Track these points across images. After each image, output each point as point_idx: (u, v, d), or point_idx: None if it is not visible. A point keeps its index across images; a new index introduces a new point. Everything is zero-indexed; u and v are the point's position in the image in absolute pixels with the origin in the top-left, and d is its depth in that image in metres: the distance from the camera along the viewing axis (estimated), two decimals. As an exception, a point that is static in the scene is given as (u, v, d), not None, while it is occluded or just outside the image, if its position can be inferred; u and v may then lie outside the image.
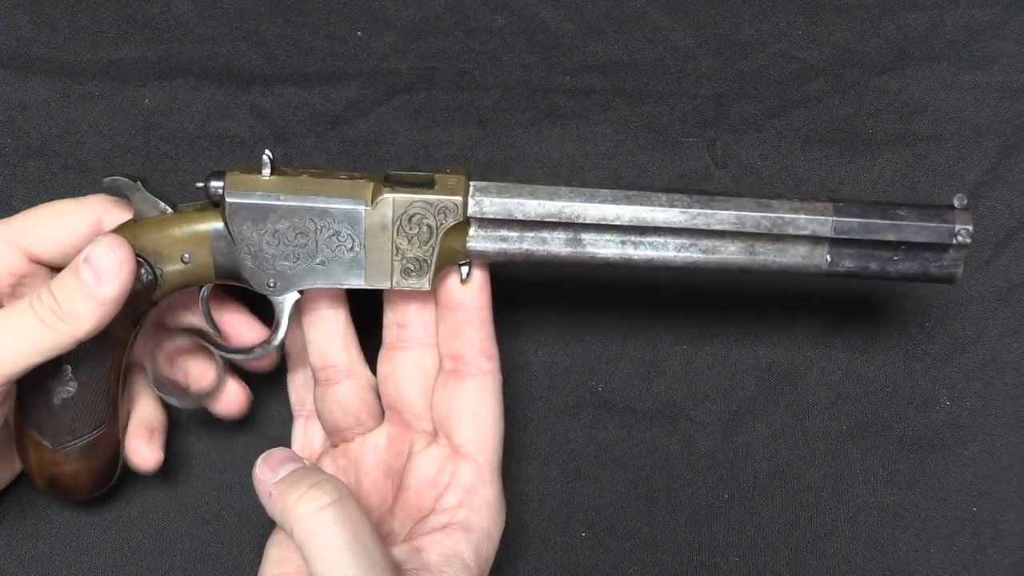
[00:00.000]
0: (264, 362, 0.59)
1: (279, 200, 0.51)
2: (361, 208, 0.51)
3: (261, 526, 0.63)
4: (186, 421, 0.63)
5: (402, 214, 0.51)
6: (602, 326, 0.66)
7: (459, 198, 0.51)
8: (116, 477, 0.58)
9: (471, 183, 0.52)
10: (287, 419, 0.64)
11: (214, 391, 0.58)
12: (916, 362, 0.67)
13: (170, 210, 0.53)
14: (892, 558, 0.65)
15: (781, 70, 0.68)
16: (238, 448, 0.64)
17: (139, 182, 0.53)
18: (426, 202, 0.51)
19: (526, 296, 0.66)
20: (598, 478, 0.65)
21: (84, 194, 0.63)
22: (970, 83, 0.68)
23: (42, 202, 0.63)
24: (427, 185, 0.52)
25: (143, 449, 0.58)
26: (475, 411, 0.54)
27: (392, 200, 0.51)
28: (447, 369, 0.55)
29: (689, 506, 0.65)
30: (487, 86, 0.67)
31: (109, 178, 0.54)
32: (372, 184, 0.51)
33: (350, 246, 0.51)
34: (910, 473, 0.66)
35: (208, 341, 0.56)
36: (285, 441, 0.64)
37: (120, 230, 0.53)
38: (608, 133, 0.67)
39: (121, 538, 0.63)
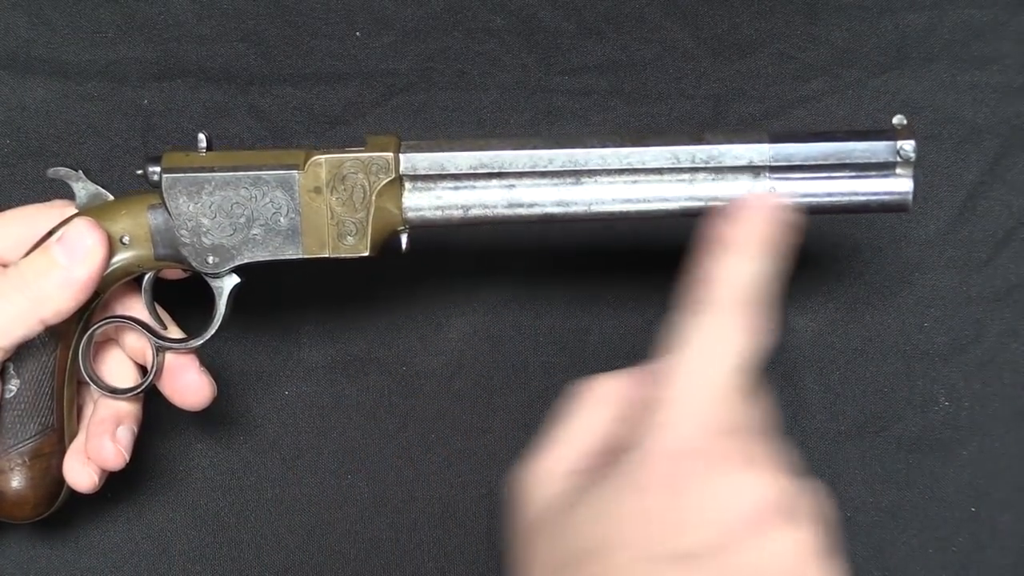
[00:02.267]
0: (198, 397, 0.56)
1: (213, 171, 0.52)
2: (294, 172, 0.52)
3: (259, 526, 0.63)
4: (184, 422, 0.64)
5: (335, 175, 0.52)
6: (600, 326, 0.66)
7: (390, 154, 0.52)
8: (64, 492, 0.56)
9: (402, 142, 0.53)
10: (285, 419, 0.64)
11: (148, 382, 0.55)
12: (914, 362, 0.67)
13: (111, 198, 0.54)
14: (890, 558, 0.65)
15: (780, 70, 0.68)
16: (237, 448, 0.64)
17: (80, 171, 0.54)
18: (357, 160, 0.52)
19: (524, 296, 0.66)
20: (596, 478, 0.65)
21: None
22: (969, 83, 0.68)
23: (40, 202, 0.64)
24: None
25: (105, 445, 0.54)
26: None
27: (324, 161, 0.52)
28: None
29: (687, 506, 0.65)
30: (485, 86, 0.67)
31: (52, 169, 0.55)
32: (304, 151, 0.52)
33: (286, 212, 0.52)
34: (908, 473, 0.66)
35: (147, 330, 0.55)
36: (283, 442, 0.64)
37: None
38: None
39: (120, 538, 0.63)
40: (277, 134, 0.66)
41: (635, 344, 0.66)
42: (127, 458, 0.55)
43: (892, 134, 0.52)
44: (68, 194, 0.55)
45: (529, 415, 0.66)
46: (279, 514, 0.64)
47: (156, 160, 0.53)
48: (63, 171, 0.54)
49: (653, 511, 0.40)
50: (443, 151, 0.52)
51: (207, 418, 0.62)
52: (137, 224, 0.53)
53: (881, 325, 0.67)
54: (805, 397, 0.66)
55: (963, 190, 0.68)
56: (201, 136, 0.53)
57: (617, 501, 0.41)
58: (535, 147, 0.52)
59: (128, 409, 0.56)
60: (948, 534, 0.65)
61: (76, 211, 0.54)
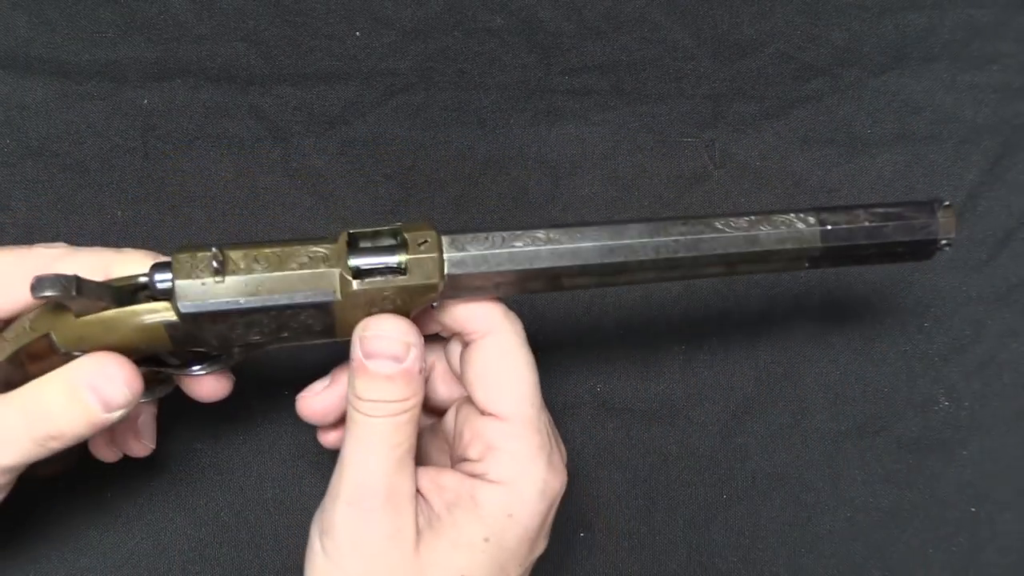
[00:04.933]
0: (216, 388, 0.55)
1: (239, 304, 0.47)
2: (330, 299, 0.47)
3: (259, 526, 0.63)
4: (184, 422, 0.63)
5: (373, 299, 0.48)
6: (601, 327, 0.66)
7: (435, 281, 0.47)
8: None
9: (444, 256, 0.48)
10: (285, 419, 0.64)
11: (164, 393, 0.55)
12: (915, 362, 0.67)
13: (107, 283, 0.49)
14: (890, 558, 0.65)
15: (780, 70, 0.68)
16: (236, 448, 0.64)
17: (75, 277, 0.46)
18: (401, 289, 0.48)
19: (523, 297, 0.66)
20: (596, 478, 0.65)
21: (82, 195, 0.64)
22: (969, 83, 0.68)
23: (41, 202, 0.64)
24: (396, 248, 0.48)
25: (130, 445, 0.56)
26: (485, 372, 0.52)
27: (363, 293, 0.47)
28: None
29: (687, 506, 0.65)
30: (486, 86, 0.67)
31: (36, 279, 0.45)
32: (339, 272, 0.47)
33: (320, 322, 0.49)
34: (908, 473, 0.66)
35: (165, 364, 0.54)
36: (283, 442, 0.64)
37: (63, 329, 0.47)
38: (607, 133, 0.67)
39: (119, 538, 0.63)
40: (277, 134, 0.66)
41: (634, 344, 0.66)
42: (153, 446, 0.56)
43: (935, 228, 0.51)
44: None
45: (529, 415, 0.66)
46: (279, 514, 0.64)
47: (164, 267, 0.47)
48: (48, 281, 0.45)
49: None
50: (492, 268, 0.48)
51: (207, 418, 0.62)
52: (155, 337, 0.48)
53: (881, 325, 0.67)
54: (805, 397, 0.66)
55: (963, 190, 0.68)
56: (213, 253, 0.46)
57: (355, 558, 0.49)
58: (588, 258, 0.49)
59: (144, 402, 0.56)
60: (948, 534, 0.65)
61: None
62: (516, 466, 0.50)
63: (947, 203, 0.51)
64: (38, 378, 0.48)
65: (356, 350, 0.48)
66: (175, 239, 0.64)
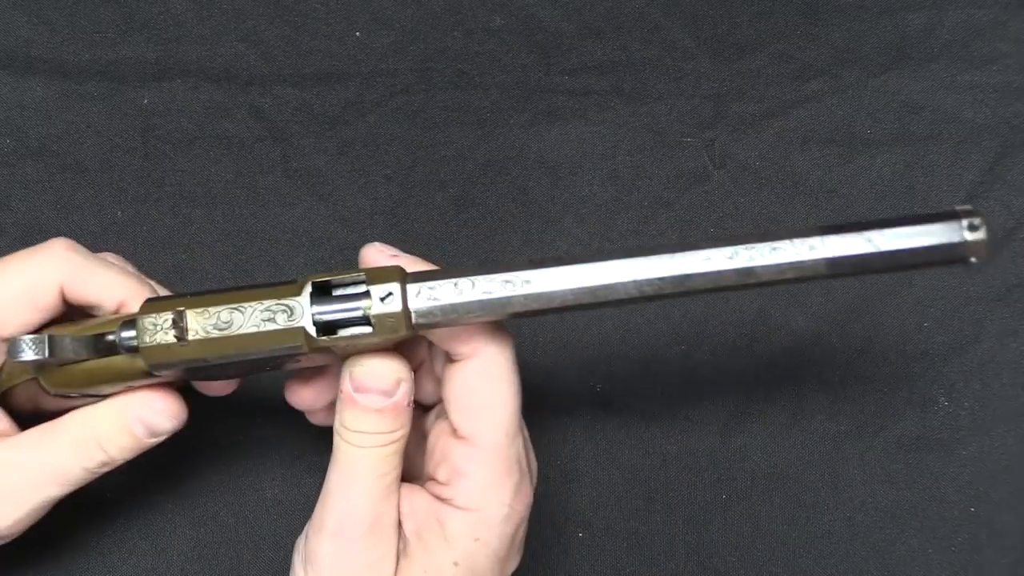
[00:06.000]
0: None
1: (207, 361, 0.47)
2: (298, 352, 0.47)
3: (258, 526, 0.63)
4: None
5: (343, 349, 0.48)
6: (601, 326, 0.66)
7: (402, 333, 0.46)
8: None
9: (411, 309, 0.45)
10: (285, 420, 0.64)
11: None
12: (914, 362, 0.66)
13: (76, 331, 0.49)
14: (890, 558, 0.65)
15: (779, 70, 0.68)
16: (236, 448, 0.64)
17: (46, 343, 0.47)
18: (370, 342, 0.47)
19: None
20: (596, 478, 0.65)
21: (82, 195, 0.64)
22: (969, 83, 0.68)
23: (40, 202, 0.64)
24: (363, 296, 0.46)
25: None
26: (461, 395, 0.51)
27: (332, 347, 0.47)
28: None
29: (687, 506, 0.65)
30: (485, 86, 0.67)
31: (11, 344, 0.46)
32: (302, 332, 0.46)
33: (294, 363, 0.49)
34: (908, 473, 0.66)
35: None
36: (283, 442, 0.64)
37: (47, 376, 0.49)
38: (606, 133, 0.67)
39: (118, 538, 0.63)
40: (277, 134, 0.66)
41: (634, 343, 0.66)
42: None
43: (962, 249, 0.43)
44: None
45: (527, 416, 0.65)
46: (279, 514, 0.64)
47: (130, 325, 0.47)
48: (23, 345, 0.46)
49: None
50: (461, 317, 0.46)
51: (206, 418, 0.62)
52: (137, 377, 0.49)
53: (881, 325, 0.67)
54: (805, 397, 0.66)
55: (963, 190, 0.68)
56: (172, 327, 0.46)
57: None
58: (564, 302, 0.45)
59: None
60: (948, 534, 0.65)
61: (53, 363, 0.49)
62: (481, 494, 0.50)
63: (977, 222, 0.42)
64: (85, 410, 0.50)
65: (346, 383, 0.48)
66: (175, 239, 0.64)
